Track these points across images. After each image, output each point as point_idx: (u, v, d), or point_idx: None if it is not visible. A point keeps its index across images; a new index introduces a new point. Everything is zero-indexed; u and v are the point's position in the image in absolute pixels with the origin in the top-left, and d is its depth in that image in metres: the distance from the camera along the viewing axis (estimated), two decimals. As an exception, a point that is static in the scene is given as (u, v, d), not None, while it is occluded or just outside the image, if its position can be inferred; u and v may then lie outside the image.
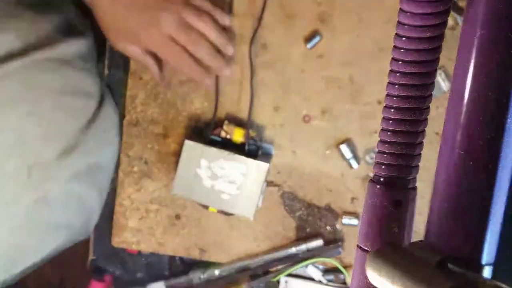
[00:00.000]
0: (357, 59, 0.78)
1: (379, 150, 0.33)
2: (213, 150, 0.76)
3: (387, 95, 0.33)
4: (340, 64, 0.78)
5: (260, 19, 0.78)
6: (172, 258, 0.84)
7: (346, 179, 0.80)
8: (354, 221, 0.79)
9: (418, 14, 0.31)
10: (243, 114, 0.80)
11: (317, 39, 0.78)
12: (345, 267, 0.79)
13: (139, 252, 0.84)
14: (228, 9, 0.79)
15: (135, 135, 0.82)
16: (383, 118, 0.33)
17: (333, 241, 0.80)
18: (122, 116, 0.82)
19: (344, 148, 0.79)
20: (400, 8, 0.31)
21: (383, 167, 0.32)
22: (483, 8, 0.31)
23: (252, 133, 0.78)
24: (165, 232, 0.83)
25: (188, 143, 0.76)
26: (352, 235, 0.80)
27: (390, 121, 0.32)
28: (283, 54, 0.79)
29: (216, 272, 0.81)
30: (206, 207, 0.78)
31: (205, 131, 0.80)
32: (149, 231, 0.83)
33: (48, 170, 0.67)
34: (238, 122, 0.80)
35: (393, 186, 0.32)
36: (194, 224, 0.82)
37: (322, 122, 0.79)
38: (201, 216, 0.82)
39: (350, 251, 0.80)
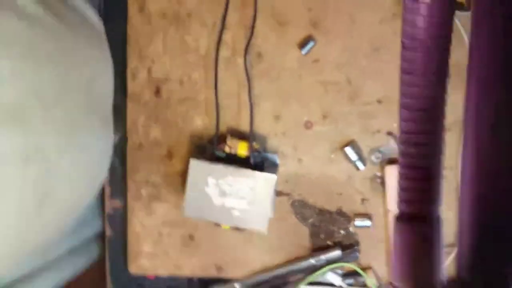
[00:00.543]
0: (352, 60, 0.78)
1: (401, 187, 0.32)
2: (219, 167, 0.75)
3: (401, 131, 0.33)
4: (336, 67, 0.78)
5: (252, 28, 0.78)
6: (190, 278, 0.84)
7: (354, 181, 0.80)
8: (367, 222, 0.79)
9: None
10: (245, 126, 0.79)
11: (311, 44, 0.77)
12: (363, 269, 0.79)
13: (157, 276, 0.84)
14: (222, 21, 0.78)
15: (139, 159, 0.81)
16: (402, 153, 0.33)
17: (349, 246, 0.80)
18: (125, 140, 0.81)
19: (348, 150, 0.78)
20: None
21: (406, 204, 0.32)
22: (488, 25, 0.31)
23: (255, 145, 0.78)
24: (180, 254, 0.82)
25: (193, 162, 0.75)
26: (366, 236, 0.80)
27: (409, 157, 0.32)
28: (278, 62, 0.79)
29: (237, 286, 0.81)
30: (218, 224, 0.78)
31: (208, 148, 0.79)
32: (165, 254, 0.83)
33: None
34: (240, 135, 0.79)
35: (418, 221, 0.32)
36: (208, 242, 0.82)
37: (324, 127, 0.79)
38: (215, 234, 0.82)
39: (366, 253, 0.80)
